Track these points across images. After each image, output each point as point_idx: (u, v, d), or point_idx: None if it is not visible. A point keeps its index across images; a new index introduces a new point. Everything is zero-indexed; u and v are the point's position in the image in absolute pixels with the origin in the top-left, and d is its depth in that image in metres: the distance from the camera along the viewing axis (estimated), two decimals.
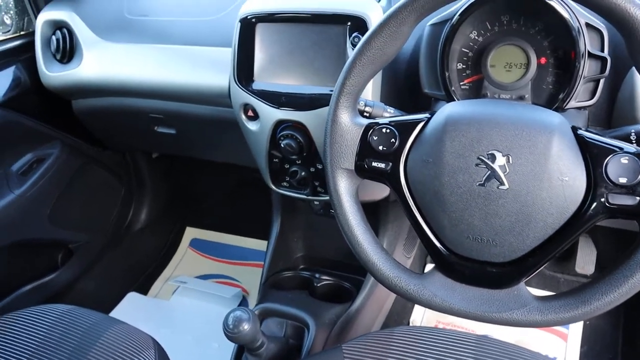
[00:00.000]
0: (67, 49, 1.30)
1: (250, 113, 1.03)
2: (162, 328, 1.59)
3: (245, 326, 0.89)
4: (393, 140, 0.70)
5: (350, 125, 0.72)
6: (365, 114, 0.78)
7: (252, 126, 1.04)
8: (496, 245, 0.66)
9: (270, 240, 1.34)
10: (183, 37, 1.18)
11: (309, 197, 1.06)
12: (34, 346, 0.98)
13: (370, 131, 0.71)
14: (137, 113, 1.30)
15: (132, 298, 1.71)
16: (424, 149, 0.68)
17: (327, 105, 0.93)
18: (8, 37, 1.42)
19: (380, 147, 0.71)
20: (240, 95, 1.02)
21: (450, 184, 0.65)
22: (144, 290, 1.76)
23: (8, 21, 1.45)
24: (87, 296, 1.64)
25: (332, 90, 0.93)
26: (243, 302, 1.67)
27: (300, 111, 0.97)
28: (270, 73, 0.99)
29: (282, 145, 0.99)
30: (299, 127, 0.99)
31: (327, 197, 1.05)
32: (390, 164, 0.70)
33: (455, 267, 0.69)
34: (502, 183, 0.63)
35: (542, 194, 0.62)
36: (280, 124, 1.00)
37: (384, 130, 0.71)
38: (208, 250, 1.89)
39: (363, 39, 0.69)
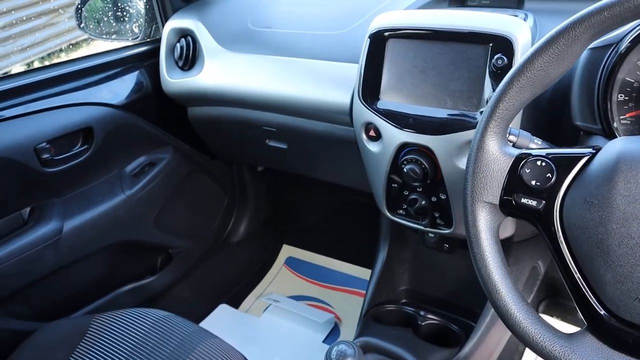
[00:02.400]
0: (189, 57, 1.32)
1: (372, 133, 0.97)
2: (250, 345, 1.56)
3: None
4: (549, 175, 0.61)
5: (498, 154, 0.64)
6: (508, 142, 0.69)
7: (373, 147, 0.98)
8: None
9: (375, 269, 1.26)
10: (306, 51, 1.14)
11: (427, 229, 0.98)
12: (130, 348, 0.99)
13: (522, 163, 0.62)
14: (251, 125, 1.28)
15: (223, 310, 1.70)
16: (587, 189, 0.58)
17: (459, 130, 0.87)
18: (135, 43, 1.47)
19: (533, 182, 0.61)
20: (364, 114, 0.96)
21: (619, 233, 0.55)
22: (235, 303, 1.74)
23: (136, 29, 1.50)
24: (180, 303, 1.64)
25: (466, 115, 0.87)
26: (335, 330, 1.60)
27: (429, 135, 0.89)
28: (398, 92, 0.93)
29: (405, 171, 0.92)
30: (424, 151, 0.91)
31: (447, 231, 0.97)
32: (544, 202, 0.61)
33: (615, 332, 0.58)
34: None
35: None
36: (404, 147, 0.93)
37: (538, 163, 0.61)
38: (303, 270, 1.84)
39: (524, 56, 0.61)
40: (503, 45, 0.83)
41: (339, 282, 1.76)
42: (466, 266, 1.20)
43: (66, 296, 1.35)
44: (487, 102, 0.83)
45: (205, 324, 1.64)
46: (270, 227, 1.95)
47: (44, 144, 1.16)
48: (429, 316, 1.20)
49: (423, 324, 1.19)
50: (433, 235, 1.09)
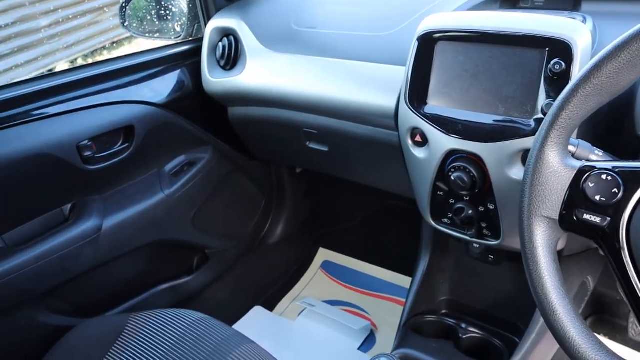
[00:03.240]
0: (231, 56, 1.31)
1: (418, 138, 0.93)
2: (284, 349, 1.54)
3: None
4: (615, 190, 0.57)
5: (559, 167, 0.60)
6: (569, 154, 0.65)
7: (418, 153, 0.94)
8: None
9: (415, 278, 1.23)
10: (350, 52, 1.12)
11: (473, 240, 0.94)
12: (166, 349, 0.98)
13: (586, 176, 0.58)
14: (291, 126, 1.26)
15: (258, 312, 1.68)
16: None
17: (511, 138, 0.83)
18: (178, 42, 1.47)
19: (597, 197, 0.57)
20: (410, 118, 0.93)
21: None
22: (270, 305, 1.72)
23: (178, 28, 1.50)
24: (215, 303, 1.64)
25: (519, 122, 0.82)
26: (370, 337, 1.56)
27: (478, 142, 0.85)
28: (447, 97, 0.89)
29: (452, 179, 0.88)
30: (473, 159, 0.87)
31: (494, 242, 0.93)
32: (609, 219, 0.57)
33: None
34: None
35: None
36: (451, 154, 0.89)
37: (603, 176, 0.57)
38: (339, 275, 1.81)
39: (592, 62, 0.57)
40: (561, 49, 0.79)
41: (375, 288, 1.72)
42: (511, 279, 1.16)
43: (103, 293, 1.36)
44: (542, 109, 0.80)
45: (240, 325, 1.63)
46: (307, 230, 1.92)
47: (86, 141, 1.16)
48: (471, 329, 1.16)
49: (464, 337, 1.15)
50: (478, 246, 1.05)
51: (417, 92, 0.92)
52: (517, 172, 0.84)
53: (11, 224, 1.12)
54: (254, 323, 1.64)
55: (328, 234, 1.95)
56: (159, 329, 1.03)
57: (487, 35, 0.85)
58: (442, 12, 0.98)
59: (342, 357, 1.50)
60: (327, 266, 1.86)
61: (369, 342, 1.55)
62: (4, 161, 1.04)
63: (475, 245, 1.05)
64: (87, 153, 1.17)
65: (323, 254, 1.90)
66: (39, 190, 1.13)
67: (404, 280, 1.70)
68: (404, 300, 1.63)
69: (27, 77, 1.20)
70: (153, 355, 0.98)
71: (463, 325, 1.17)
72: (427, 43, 0.90)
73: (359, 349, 1.53)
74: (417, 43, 0.91)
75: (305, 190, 1.84)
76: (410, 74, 0.92)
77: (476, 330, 1.16)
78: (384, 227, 1.81)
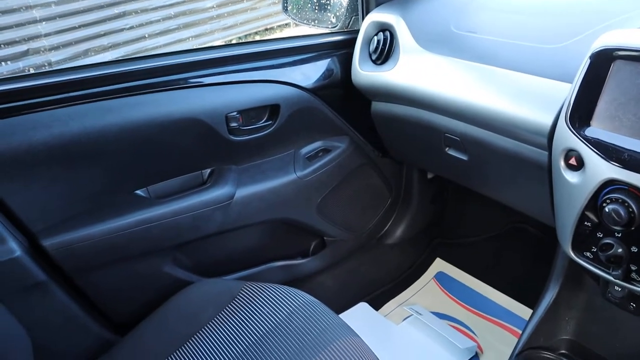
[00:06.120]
0: (384, 51, 1.31)
1: (572, 161, 0.86)
2: (382, 350, 1.51)
3: None
4: None
5: None
6: None
7: (570, 177, 0.87)
8: None
9: (538, 309, 1.15)
10: (510, 62, 1.06)
11: (616, 281, 0.86)
12: (274, 323, 1.01)
13: None
14: (433, 129, 1.23)
15: (363, 308, 1.68)
16: None
17: None
18: (333, 31, 1.49)
19: None
20: (567, 139, 0.86)
21: None
22: (375, 305, 1.71)
23: (334, 19, 1.53)
24: (322, 290, 1.66)
25: None
26: (474, 359, 1.50)
27: None
28: (615, 121, 0.81)
29: (606, 210, 0.81)
30: (635, 193, 0.79)
31: None
32: None
33: None
34: None
35: None
36: (609, 184, 0.81)
37: None
38: (452, 289, 1.75)
39: None
40: None
41: (488, 311, 1.64)
42: None
43: (222, 258, 1.42)
44: None
45: (343, 317, 1.63)
46: (427, 237, 1.88)
47: (235, 113, 1.22)
48: None
49: None
50: (620, 290, 0.96)
51: (581, 112, 0.85)
52: None
53: (156, 178, 1.21)
54: (357, 318, 1.64)
55: (448, 245, 1.89)
56: (270, 302, 1.07)
57: None
58: (623, 28, 0.89)
59: None
60: (441, 277, 1.81)
61: None
62: (160, 121, 1.13)
63: (617, 288, 0.96)
64: (234, 124, 1.23)
65: (439, 265, 1.85)
66: (185, 151, 1.21)
67: (520, 309, 1.60)
68: (517, 329, 1.54)
69: (187, 49, 1.28)
70: (261, 326, 1.01)
71: None
72: (603, 60, 0.83)
73: None
74: (589, 60, 0.85)
75: (432, 196, 1.80)
76: (576, 91, 0.85)
77: None
78: (508, 249, 1.72)
